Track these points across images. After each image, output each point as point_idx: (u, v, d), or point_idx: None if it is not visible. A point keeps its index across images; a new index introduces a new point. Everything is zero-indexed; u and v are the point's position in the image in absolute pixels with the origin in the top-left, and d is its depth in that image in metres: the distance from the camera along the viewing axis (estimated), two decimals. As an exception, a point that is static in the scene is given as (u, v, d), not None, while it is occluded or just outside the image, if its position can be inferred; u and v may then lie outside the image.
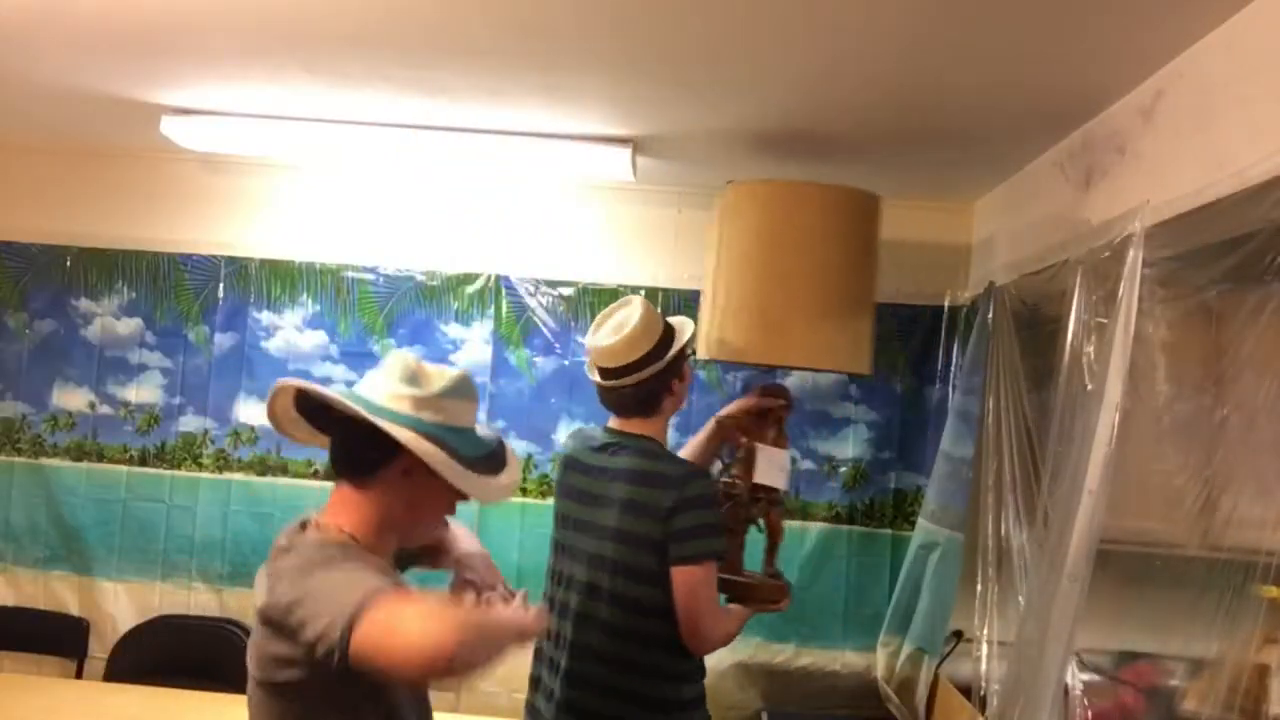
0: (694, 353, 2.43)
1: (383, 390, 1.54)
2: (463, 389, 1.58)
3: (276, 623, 1.41)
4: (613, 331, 2.21)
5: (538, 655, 2.31)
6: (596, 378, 2.26)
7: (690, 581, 2.09)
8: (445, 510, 1.62)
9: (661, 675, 2.17)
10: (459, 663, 1.25)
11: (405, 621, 1.26)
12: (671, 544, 2.10)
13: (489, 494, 1.55)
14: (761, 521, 2.40)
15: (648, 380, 2.20)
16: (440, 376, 1.57)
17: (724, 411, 2.50)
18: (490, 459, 1.58)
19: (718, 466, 2.49)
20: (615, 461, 2.22)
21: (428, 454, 1.48)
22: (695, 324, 2.37)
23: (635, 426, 2.25)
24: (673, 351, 2.22)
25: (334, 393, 1.55)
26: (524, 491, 3.36)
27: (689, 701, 2.21)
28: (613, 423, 2.30)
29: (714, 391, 3.36)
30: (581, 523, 2.24)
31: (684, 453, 2.51)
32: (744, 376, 3.30)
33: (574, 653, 2.18)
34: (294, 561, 1.47)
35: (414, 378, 1.55)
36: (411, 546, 1.69)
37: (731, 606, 2.29)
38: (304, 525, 1.56)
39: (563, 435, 3.36)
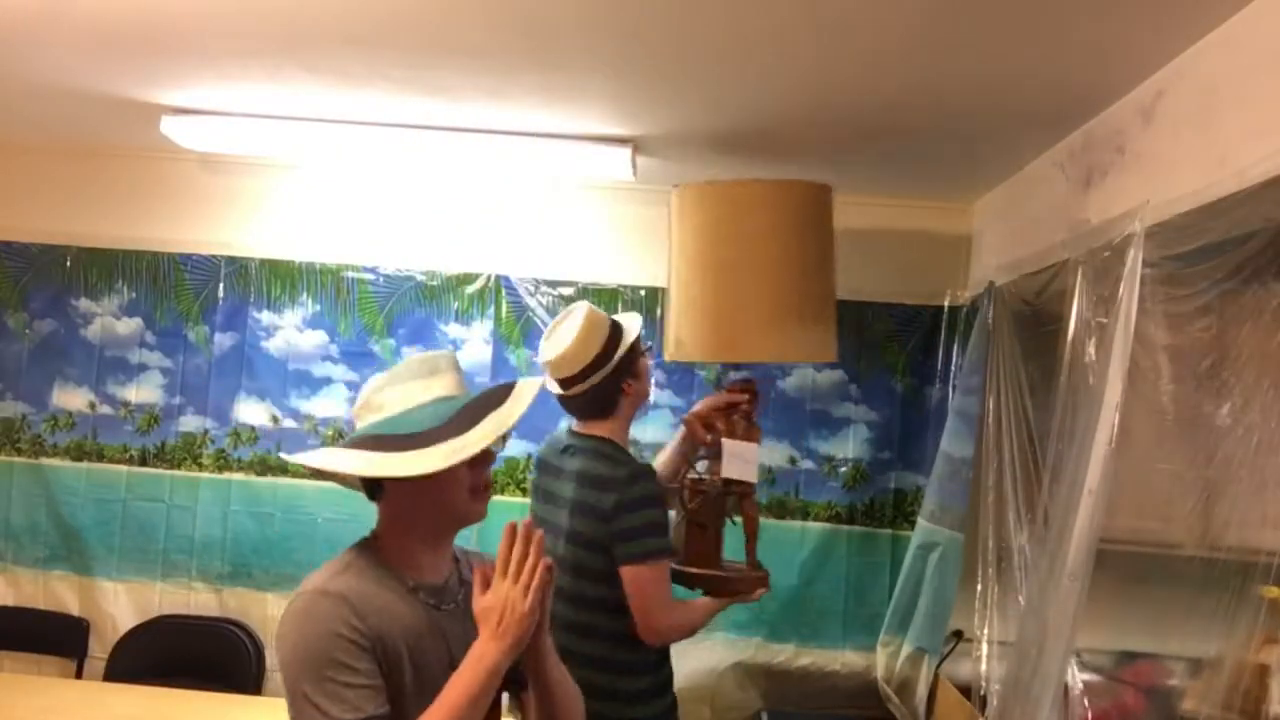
0: (649, 348, 2.47)
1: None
2: (404, 373, 1.56)
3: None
4: (557, 344, 2.28)
5: None
6: (553, 388, 2.34)
7: (638, 580, 2.17)
8: (456, 488, 1.54)
9: (614, 668, 2.23)
10: None
11: None
12: (616, 544, 2.18)
13: (414, 467, 1.46)
14: (737, 516, 2.44)
15: (598, 385, 2.28)
16: (390, 373, 1.58)
17: (692, 410, 2.56)
18: (447, 427, 1.50)
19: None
20: (569, 463, 2.32)
21: (350, 467, 1.47)
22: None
23: (593, 428, 2.34)
24: (619, 354, 2.28)
25: (308, 456, 1.54)
26: (523, 491, 3.36)
27: (643, 691, 2.28)
28: (575, 425, 2.40)
29: (713, 391, 3.35)
30: (545, 523, 2.29)
31: (661, 455, 2.57)
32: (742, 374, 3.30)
33: None
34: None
35: (369, 386, 1.58)
36: (470, 525, 1.62)
37: (697, 600, 2.33)
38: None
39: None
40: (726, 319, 2.47)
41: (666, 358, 2.65)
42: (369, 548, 1.56)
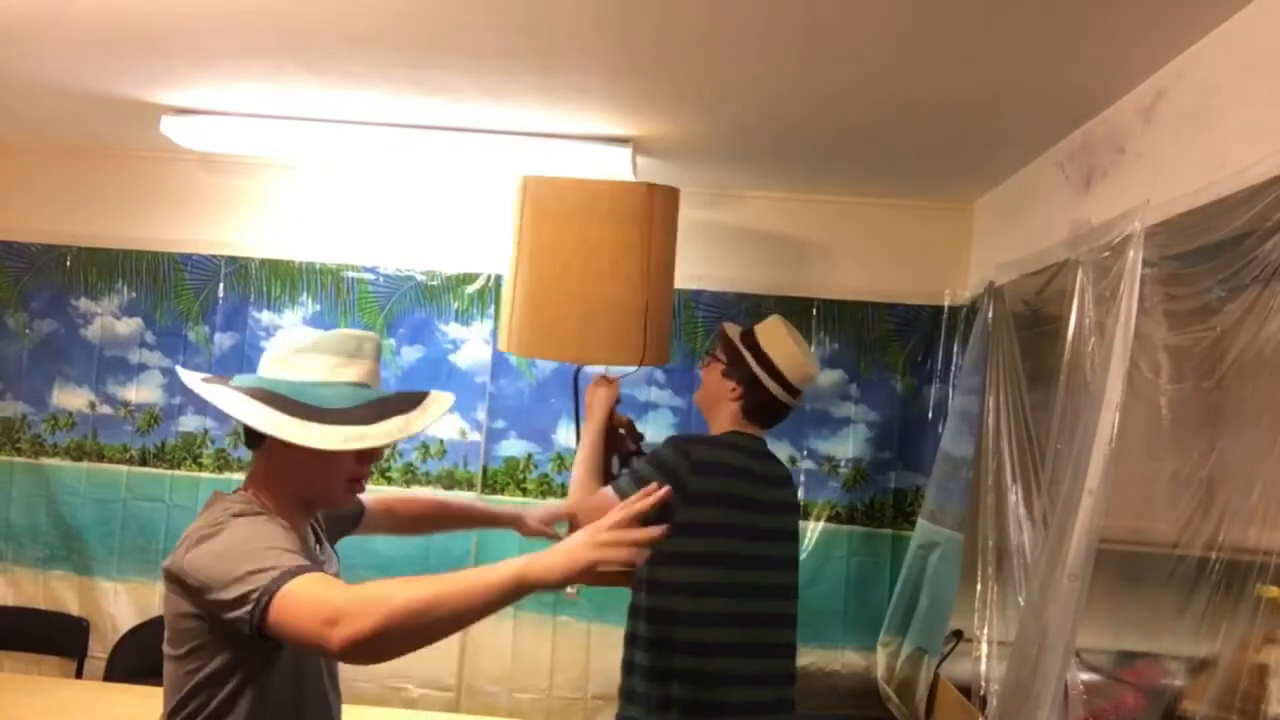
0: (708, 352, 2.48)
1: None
2: (327, 344, 1.58)
3: (178, 580, 1.54)
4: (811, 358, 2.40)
5: None
6: (790, 400, 2.36)
7: None
8: (336, 473, 1.57)
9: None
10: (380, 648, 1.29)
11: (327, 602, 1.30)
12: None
13: (313, 440, 1.48)
14: None
15: None
16: (315, 338, 1.60)
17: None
18: (353, 412, 1.52)
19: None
20: (774, 470, 2.44)
21: (254, 420, 1.49)
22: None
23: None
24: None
25: (210, 390, 1.58)
26: (523, 491, 3.36)
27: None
28: (756, 431, 2.39)
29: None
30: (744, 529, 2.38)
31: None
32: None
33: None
34: (200, 523, 1.56)
35: (291, 340, 1.62)
36: (332, 510, 1.70)
37: None
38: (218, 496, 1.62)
39: (563, 435, 3.36)
40: (546, 316, 2.42)
41: (501, 349, 2.64)
42: (253, 499, 1.59)
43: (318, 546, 1.71)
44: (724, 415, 2.34)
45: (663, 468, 2.15)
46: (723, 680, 2.25)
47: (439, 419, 1.62)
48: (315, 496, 1.62)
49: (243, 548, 1.43)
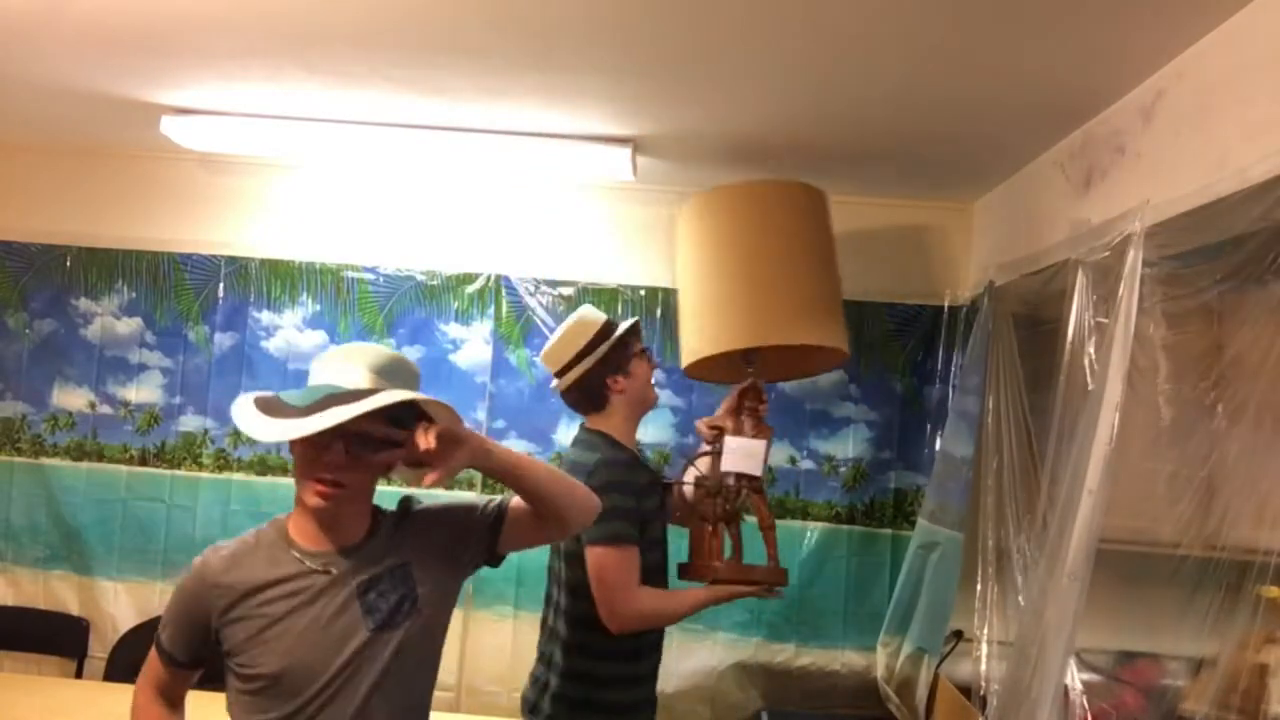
0: (645, 350, 2.44)
1: None
2: (332, 354, 1.70)
3: None
4: (549, 341, 2.40)
5: None
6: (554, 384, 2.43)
7: (597, 562, 2.20)
8: (301, 471, 1.69)
9: (589, 653, 2.25)
10: None
11: None
12: None
13: (249, 429, 1.63)
14: (749, 515, 2.45)
15: (581, 379, 2.34)
16: (328, 352, 1.73)
17: (707, 418, 2.59)
18: (306, 407, 1.61)
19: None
20: (567, 455, 2.41)
21: (246, 421, 1.66)
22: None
23: (593, 423, 2.39)
24: (602, 349, 2.32)
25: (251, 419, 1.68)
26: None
27: (610, 678, 2.27)
28: (583, 422, 2.45)
29: (714, 392, 3.36)
30: None
31: (692, 467, 2.53)
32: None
33: (542, 634, 2.39)
34: None
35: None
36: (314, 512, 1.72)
37: (684, 590, 2.35)
38: None
39: (563, 435, 3.37)
40: (754, 307, 2.49)
41: (684, 366, 2.65)
42: (280, 521, 1.79)
43: (384, 541, 1.73)
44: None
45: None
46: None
47: (377, 409, 1.57)
48: (304, 490, 1.70)
49: None
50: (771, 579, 2.36)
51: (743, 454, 2.38)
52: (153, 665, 1.76)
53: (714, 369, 2.67)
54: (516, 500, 1.75)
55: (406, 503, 1.80)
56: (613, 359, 2.34)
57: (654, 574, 2.30)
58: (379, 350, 1.68)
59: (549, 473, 1.74)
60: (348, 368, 1.63)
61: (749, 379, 2.53)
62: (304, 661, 1.61)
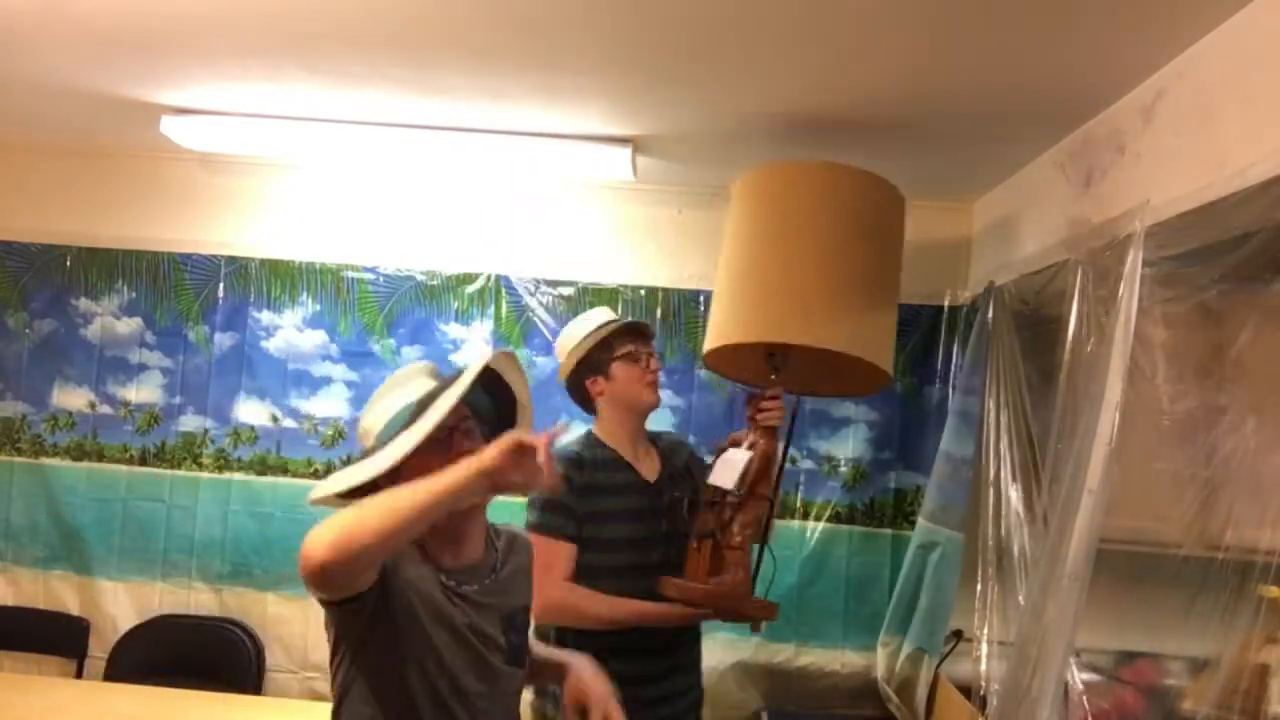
0: (629, 352, 2.40)
1: None
2: (379, 393, 1.70)
3: None
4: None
5: None
6: None
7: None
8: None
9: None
10: (344, 563, 1.39)
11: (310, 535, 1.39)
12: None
13: (365, 474, 1.60)
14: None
15: (567, 380, 2.45)
16: (371, 399, 1.73)
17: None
18: (404, 426, 1.61)
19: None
20: None
21: (320, 490, 1.63)
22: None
23: (595, 421, 2.44)
24: (580, 349, 2.37)
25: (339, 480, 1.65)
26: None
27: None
28: None
29: (715, 391, 3.36)
30: None
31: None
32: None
33: None
34: None
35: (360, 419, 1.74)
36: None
37: (622, 600, 2.26)
38: None
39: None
40: (790, 299, 2.19)
41: (716, 344, 2.39)
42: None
43: (493, 561, 1.76)
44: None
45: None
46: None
47: (471, 383, 1.61)
48: None
49: None
50: (732, 604, 2.21)
51: (726, 467, 2.26)
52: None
53: (739, 364, 2.47)
54: None
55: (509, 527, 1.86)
56: (592, 361, 2.37)
57: (605, 576, 2.26)
58: (418, 365, 1.75)
59: None
60: (410, 386, 1.67)
61: (770, 383, 2.33)
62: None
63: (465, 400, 1.61)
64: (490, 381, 1.70)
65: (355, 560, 1.40)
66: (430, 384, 1.67)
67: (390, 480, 1.54)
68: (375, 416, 1.67)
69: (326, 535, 1.37)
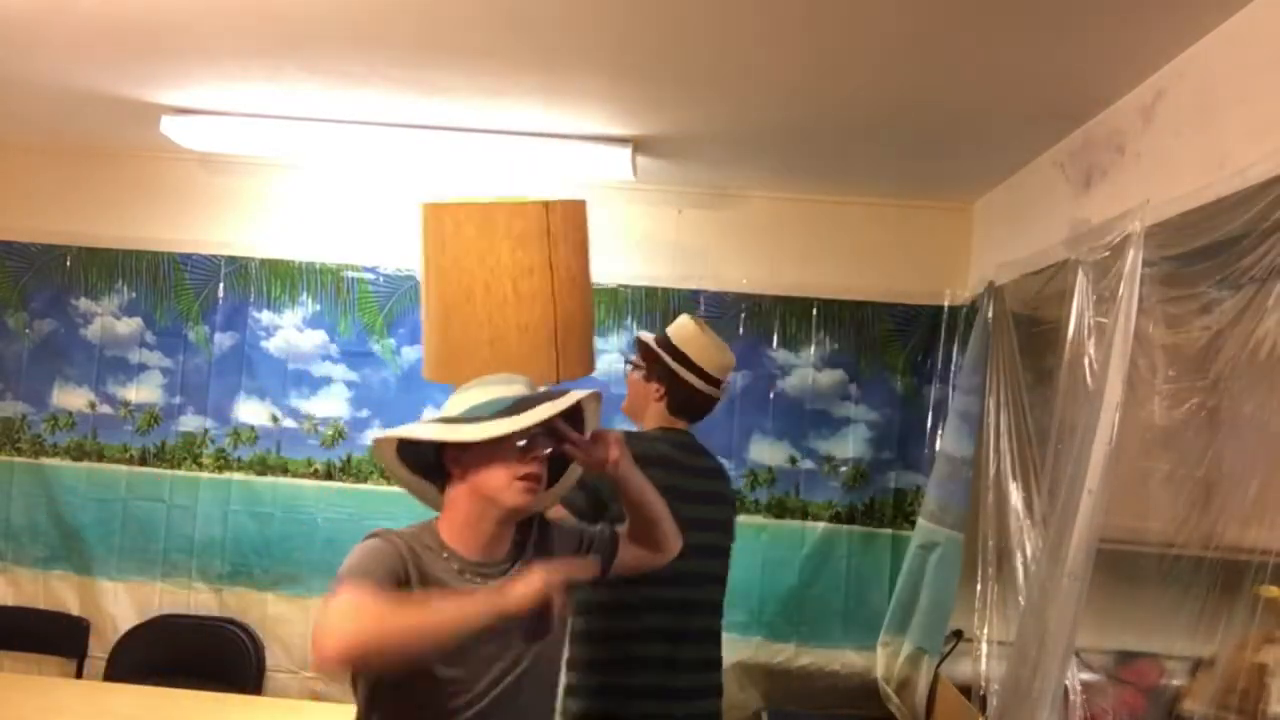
0: (628, 362, 2.44)
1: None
2: (493, 379, 1.74)
3: None
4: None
5: None
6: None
7: None
8: (500, 474, 1.65)
9: (589, 668, 2.25)
10: (356, 664, 1.46)
11: (329, 614, 1.42)
12: None
13: (468, 435, 1.63)
14: None
15: None
16: (481, 379, 1.76)
17: None
18: (500, 412, 1.64)
19: None
20: None
21: (429, 432, 1.65)
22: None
23: None
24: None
25: (416, 428, 1.71)
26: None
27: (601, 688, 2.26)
28: None
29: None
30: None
31: None
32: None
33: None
34: None
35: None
36: (512, 512, 1.71)
37: None
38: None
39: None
40: (457, 345, 2.27)
41: (424, 377, 2.42)
42: (431, 526, 1.70)
43: (517, 556, 1.76)
44: (651, 416, 2.37)
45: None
46: (645, 663, 2.27)
47: (569, 407, 1.68)
48: (487, 504, 1.68)
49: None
50: None
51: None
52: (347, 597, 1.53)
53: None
54: (623, 528, 1.88)
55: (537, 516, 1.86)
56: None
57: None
58: (517, 375, 1.80)
59: (659, 496, 1.85)
60: (510, 385, 1.72)
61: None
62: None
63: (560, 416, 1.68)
64: (572, 412, 1.73)
65: (366, 664, 1.49)
66: (527, 392, 1.72)
67: (459, 449, 1.63)
68: (475, 394, 1.70)
69: (344, 630, 1.40)
